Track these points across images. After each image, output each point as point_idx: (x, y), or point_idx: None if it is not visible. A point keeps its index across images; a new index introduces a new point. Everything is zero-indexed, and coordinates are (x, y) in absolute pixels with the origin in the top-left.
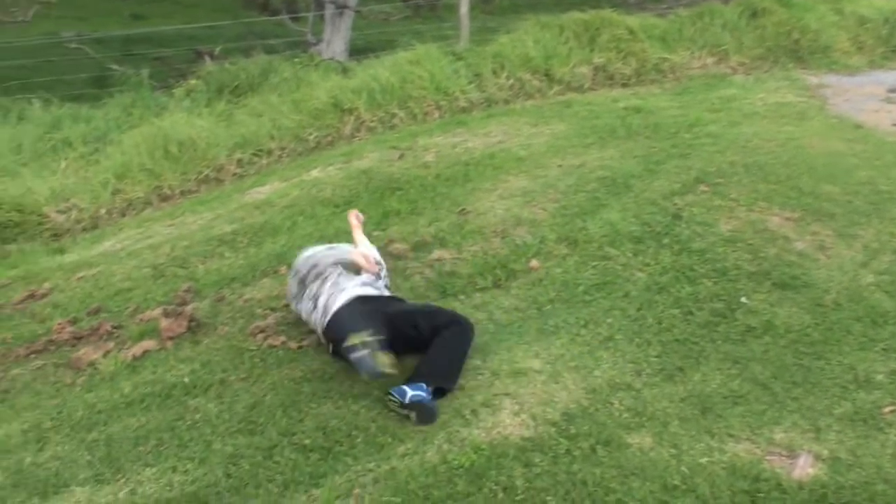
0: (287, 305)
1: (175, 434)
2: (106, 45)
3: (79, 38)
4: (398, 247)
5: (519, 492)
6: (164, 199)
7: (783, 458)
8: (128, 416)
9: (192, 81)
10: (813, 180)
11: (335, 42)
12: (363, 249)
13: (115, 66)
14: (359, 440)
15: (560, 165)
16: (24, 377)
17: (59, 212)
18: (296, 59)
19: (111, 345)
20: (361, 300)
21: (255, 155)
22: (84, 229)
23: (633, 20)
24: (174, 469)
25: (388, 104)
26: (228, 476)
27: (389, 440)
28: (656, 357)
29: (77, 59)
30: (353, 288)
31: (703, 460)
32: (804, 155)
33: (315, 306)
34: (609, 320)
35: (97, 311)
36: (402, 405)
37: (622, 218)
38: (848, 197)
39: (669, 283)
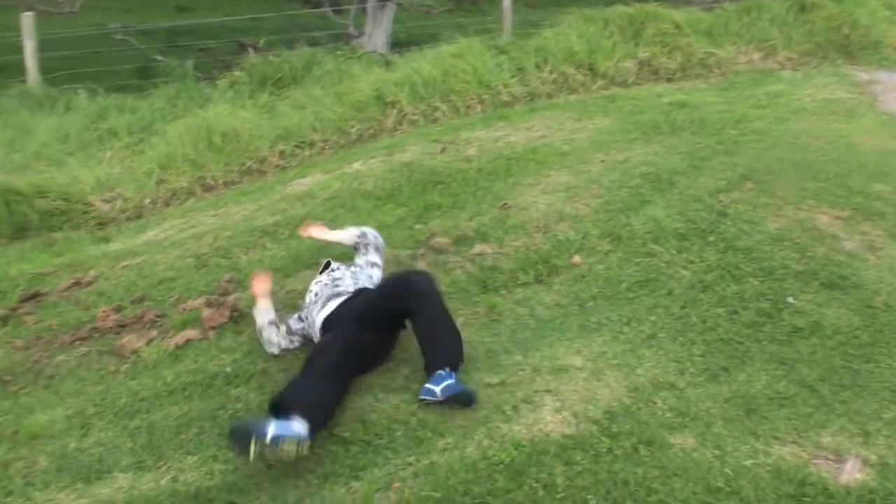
0: None
1: (216, 423)
2: (151, 36)
3: (125, 29)
4: (439, 241)
5: (559, 490)
6: (208, 189)
7: (830, 462)
8: (170, 405)
9: (236, 73)
10: (863, 179)
11: (377, 35)
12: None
13: (159, 58)
14: (398, 433)
15: (603, 161)
16: (69, 363)
17: (104, 201)
18: (338, 52)
19: (154, 333)
20: (324, 327)
21: (297, 147)
22: (129, 218)
23: (679, 14)
24: (215, 458)
25: (430, 97)
26: (269, 466)
27: (429, 434)
28: (700, 356)
29: (123, 50)
30: (318, 315)
31: (748, 462)
32: (854, 153)
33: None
34: (652, 318)
35: (141, 300)
36: (441, 402)
37: (666, 214)
38: None
39: (714, 281)
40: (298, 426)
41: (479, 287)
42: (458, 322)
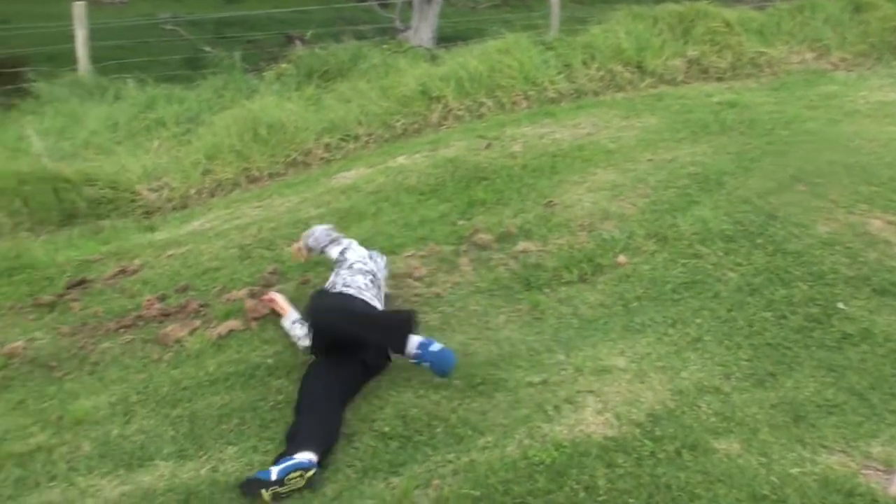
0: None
1: (257, 414)
2: (200, 27)
3: (174, 19)
4: (483, 237)
5: (601, 492)
6: (253, 180)
7: (880, 473)
8: (212, 394)
9: (283, 65)
10: None
11: (423, 29)
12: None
13: (208, 49)
14: (438, 430)
15: (650, 160)
16: (114, 351)
17: (151, 190)
18: (384, 46)
19: (197, 323)
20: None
21: (342, 140)
22: (174, 208)
23: (730, 12)
24: (255, 449)
25: (476, 93)
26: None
27: (469, 432)
28: (747, 361)
29: (172, 40)
30: None
31: (794, 471)
32: None
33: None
34: (698, 320)
35: (185, 289)
36: (418, 363)
37: (714, 215)
38: None
39: (762, 284)
40: (300, 456)
41: (522, 284)
42: (501, 319)
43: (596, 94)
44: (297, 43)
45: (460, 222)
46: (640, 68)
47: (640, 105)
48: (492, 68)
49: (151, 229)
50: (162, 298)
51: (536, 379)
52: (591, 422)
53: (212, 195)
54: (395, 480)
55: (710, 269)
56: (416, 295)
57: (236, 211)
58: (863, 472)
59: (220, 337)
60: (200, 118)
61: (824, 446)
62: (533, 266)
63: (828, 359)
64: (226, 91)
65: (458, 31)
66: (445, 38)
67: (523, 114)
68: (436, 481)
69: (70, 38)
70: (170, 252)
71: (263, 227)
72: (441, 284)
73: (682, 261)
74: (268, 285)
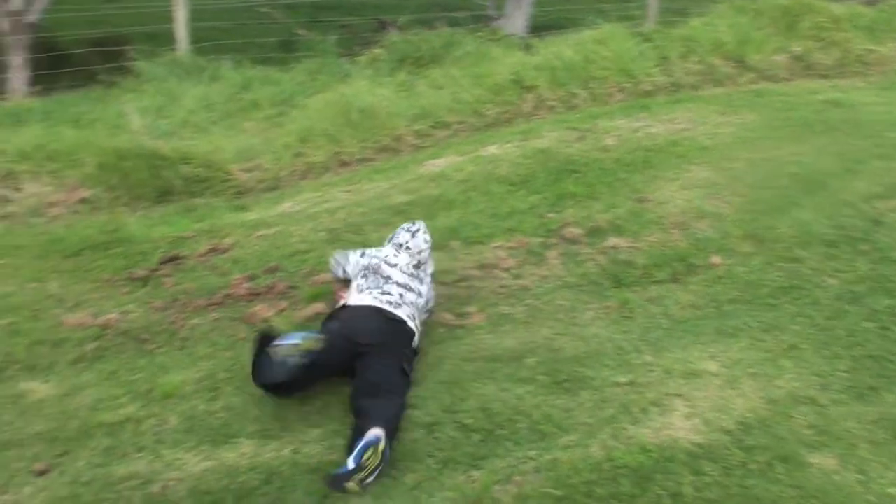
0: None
1: (341, 398)
2: (295, 10)
3: (270, 3)
4: (572, 231)
5: (687, 500)
6: (343, 164)
7: None
8: None
9: (376, 50)
10: None
11: (516, 17)
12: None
13: (302, 32)
14: (521, 426)
15: (748, 158)
16: (203, 327)
17: (243, 170)
18: (478, 34)
19: (285, 304)
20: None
21: (433, 127)
22: (266, 189)
23: (838, 7)
24: (337, 432)
25: (569, 83)
26: (389, 447)
27: (553, 430)
28: (845, 372)
29: (267, 23)
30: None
31: (894, 491)
32: None
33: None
34: (795, 327)
35: (274, 270)
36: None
37: (815, 219)
38: None
39: (865, 293)
40: (367, 435)
41: (611, 281)
42: (588, 315)
43: (693, 88)
44: (391, 28)
45: (550, 215)
46: (740, 63)
47: (740, 101)
48: (586, 59)
49: (243, 209)
50: (251, 278)
51: (623, 379)
52: (679, 426)
53: (303, 177)
54: (475, 474)
55: (809, 274)
56: (502, 286)
57: (326, 194)
58: None
59: (307, 319)
60: (294, 101)
61: None
62: (623, 263)
63: None
64: (319, 75)
65: (552, 20)
66: (539, 27)
67: (617, 106)
68: (517, 478)
69: (170, 18)
70: (260, 232)
71: (352, 212)
72: (528, 277)
73: (780, 264)
74: None
